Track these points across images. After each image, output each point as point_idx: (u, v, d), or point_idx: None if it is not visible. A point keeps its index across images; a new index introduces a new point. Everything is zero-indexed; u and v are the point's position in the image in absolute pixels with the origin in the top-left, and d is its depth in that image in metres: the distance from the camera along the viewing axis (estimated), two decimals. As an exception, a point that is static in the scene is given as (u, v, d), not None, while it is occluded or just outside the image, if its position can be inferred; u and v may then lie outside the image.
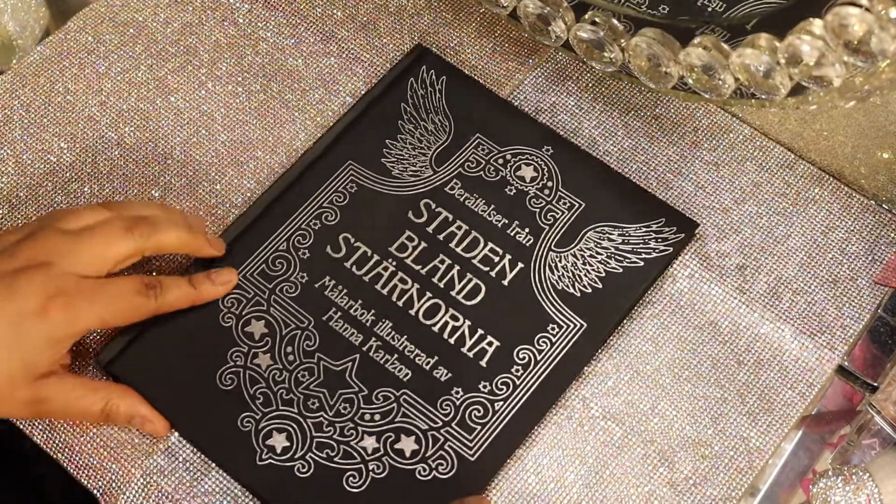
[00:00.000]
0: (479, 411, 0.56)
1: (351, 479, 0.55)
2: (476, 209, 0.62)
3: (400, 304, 0.59)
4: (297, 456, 0.55)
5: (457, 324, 0.58)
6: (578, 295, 0.59)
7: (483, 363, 0.57)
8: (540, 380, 0.57)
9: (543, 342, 0.58)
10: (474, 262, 0.60)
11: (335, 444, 0.56)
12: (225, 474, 0.56)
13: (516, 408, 0.56)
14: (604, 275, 0.60)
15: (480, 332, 0.58)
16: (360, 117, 0.65)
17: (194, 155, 0.65)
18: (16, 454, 0.59)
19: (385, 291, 0.59)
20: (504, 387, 0.57)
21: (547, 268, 0.60)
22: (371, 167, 0.63)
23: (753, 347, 0.59)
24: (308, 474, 0.55)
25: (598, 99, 0.66)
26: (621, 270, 0.60)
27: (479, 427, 0.56)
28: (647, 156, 0.64)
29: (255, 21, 0.69)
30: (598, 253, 0.60)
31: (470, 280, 0.60)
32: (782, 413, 0.57)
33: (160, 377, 0.57)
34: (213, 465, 0.56)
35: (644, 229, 0.61)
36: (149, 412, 0.56)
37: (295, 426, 0.56)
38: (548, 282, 0.59)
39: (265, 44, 0.68)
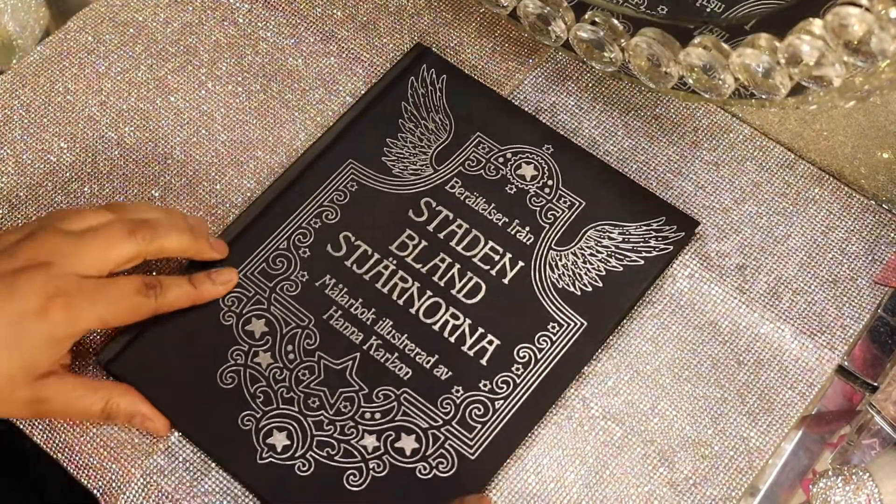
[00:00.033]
0: (479, 410, 0.56)
1: (351, 477, 0.55)
2: (476, 208, 0.62)
3: (400, 302, 0.59)
4: (297, 455, 0.55)
5: (457, 322, 0.58)
6: (579, 293, 0.59)
7: (483, 362, 0.57)
8: (540, 378, 0.57)
9: (544, 341, 0.58)
10: (475, 260, 0.60)
11: (335, 443, 0.56)
12: (225, 474, 0.56)
13: (517, 406, 0.56)
14: (604, 273, 0.60)
15: (481, 330, 0.58)
16: (361, 116, 0.65)
17: (194, 155, 0.65)
18: (16, 454, 0.59)
19: (385, 290, 0.59)
20: (504, 385, 0.57)
21: (547, 266, 0.60)
22: (371, 166, 0.63)
23: (753, 347, 0.59)
24: (308, 473, 0.55)
25: (598, 99, 0.66)
26: (622, 269, 0.60)
27: (479, 426, 0.56)
28: (647, 156, 0.64)
29: (255, 21, 0.69)
30: (598, 251, 0.60)
31: (470, 279, 0.60)
32: (782, 413, 0.57)
33: (160, 376, 0.57)
34: (213, 464, 0.56)
35: (644, 228, 0.61)
36: (149, 411, 0.56)
37: (295, 425, 0.56)
38: (548, 280, 0.59)
39: (265, 44, 0.68)
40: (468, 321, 0.58)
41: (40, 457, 0.57)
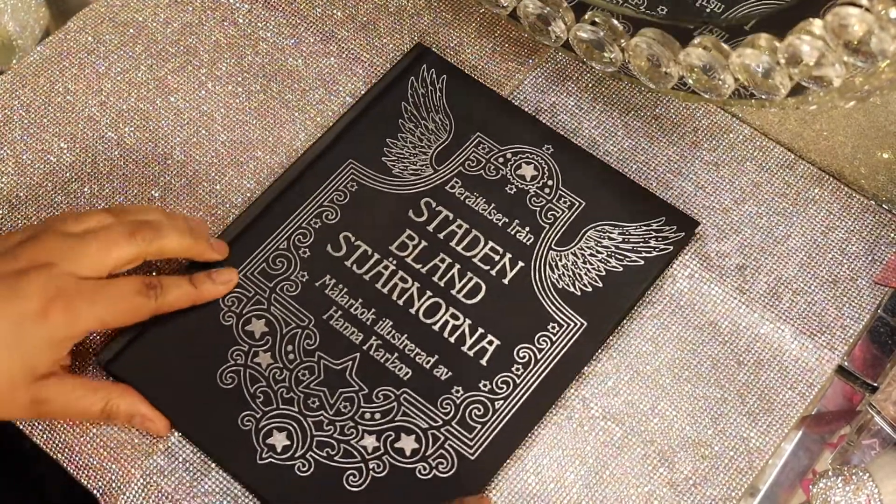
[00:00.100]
0: (479, 410, 0.56)
1: (351, 477, 0.55)
2: (476, 208, 0.62)
3: (400, 302, 0.59)
4: (297, 455, 0.55)
5: (457, 322, 0.58)
6: (579, 294, 0.59)
7: (483, 362, 0.57)
8: (540, 378, 0.57)
9: (544, 341, 0.58)
10: (475, 260, 0.60)
11: (335, 443, 0.56)
12: (225, 474, 0.56)
13: (516, 406, 0.56)
14: (604, 273, 0.60)
15: (481, 330, 0.58)
16: (361, 116, 0.65)
17: (194, 155, 0.65)
18: (16, 454, 0.59)
19: (385, 290, 0.59)
20: (504, 385, 0.57)
21: (547, 266, 0.60)
22: (371, 166, 0.63)
23: (753, 347, 0.59)
24: (308, 473, 0.55)
25: (598, 99, 0.66)
26: (621, 269, 0.60)
27: (479, 426, 0.56)
28: (647, 156, 0.64)
29: (255, 21, 0.69)
30: (598, 252, 0.60)
31: (470, 279, 0.60)
32: (782, 413, 0.57)
33: (160, 376, 0.57)
34: (213, 465, 0.56)
35: (644, 228, 0.61)
36: (149, 411, 0.56)
37: (295, 425, 0.56)
38: (548, 280, 0.59)
39: (265, 44, 0.68)
40: (468, 321, 0.58)
41: (40, 457, 0.57)
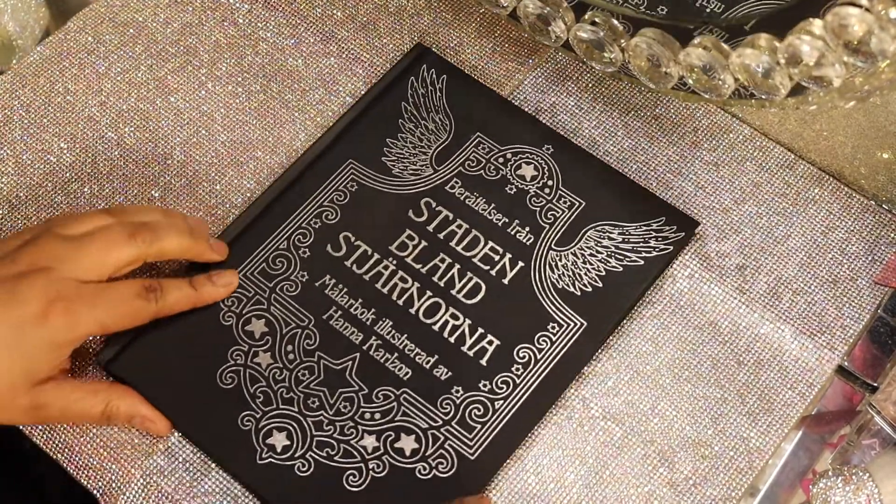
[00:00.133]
0: (479, 410, 0.56)
1: (351, 477, 0.55)
2: (476, 208, 0.62)
3: (400, 302, 0.59)
4: (297, 455, 0.55)
5: (457, 322, 0.58)
6: (579, 294, 0.59)
7: (483, 362, 0.57)
8: (540, 378, 0.57)
9: (543, 341, 0.58)
10: (474, 260, 0.60)
11: (335, 443, 0.56)
12: (225, 474, 0.56)
13: (516, 406, 0.56)
14: (604, 273, 0.60)
15: (480, 330, 0.58)
16: (361, 116, 0.65)
17: (194, 155, 0.65)
18: (16, 454, 0.59)
19: (385, 290, 0.59)
20: (504, 385, 0.57)
21: (547, 266, 0.60)
22: (371, 166, 0.63)
23: (753, 348, 0.59)
24: (308, 473, 0.55)
25: (598, 99, 0.66)
26: (621, 269, 0.60)
27: (479, 426, 0.56)
28: (647, 156, 0.64)
29: (255, 21, 0.69)
30: (598, 252, 0.60)
31: (470, 279, 0.60)
32: (782, 413, 0.57)
33: (160, 376, 0.57)
34: (213, 465, 0.56)
35: (644, 228, 0.61)
36: (149, 412, 0.56)
37: (295, 425, 0.56)
38: (548, 280, 0.59)
39: (265, 44, 0.68)
40: (468, 321, 0.58)
41: (40, 457, 0.57)
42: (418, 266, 0.60)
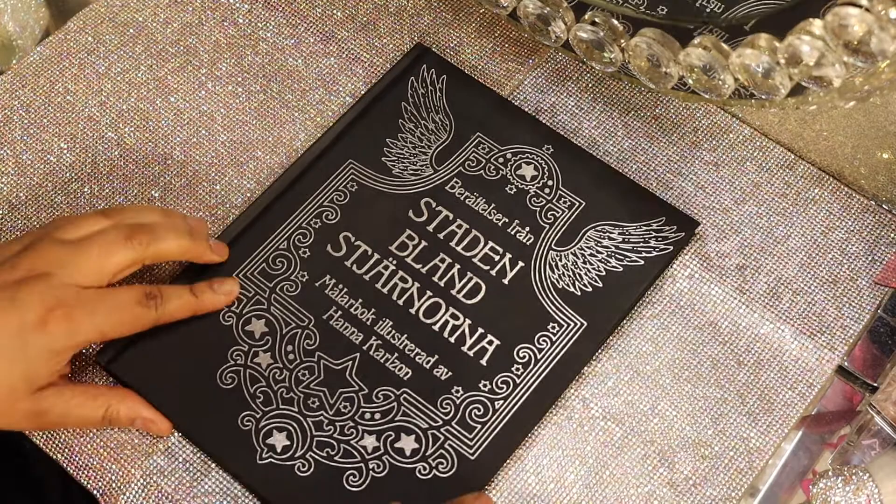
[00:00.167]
0: (479, 410, 0.56)
1: (351, 477, 0.55)
2: (476, 208, 0.62)
3: (400, 302, 0.59)
4: (297, 455, 0.55)
5: (457, 322, 0.58)
6: (579, 294, 0.59)
7: (483, 362, 0.57)
8: (540, 378, 0.57)
9: (544, 341, 0.58)
10: (475, 260, 0.60)
11: (335, 443, 0.56)
12: (225, 474, 0.56)
13: (517, 406, 0.56)
14: (604, 273, 0.60)
15: (481, 330, 0.58)
16: (361, 116, 0.65)
17: (194, 155, 0.65)
18: (16, 454, 0.59)
19: (385, 290, 0.59)
20: (504, 385, 0.57)
21: (547, 266, 0.60)
22: (371, 166, 0.63)
23: (753, 348, 0.59)
24: (308, 473, 0.55)
25: (598, 99, 0.66)
26: (621, 269, 0.60)
27: (479, 426, 0.56)
28: (647, 156, 0.64)
29: (255, 21, 0.69)
30: (598, 252, 0.60)
31: (470, 279, 0.60)
32: (782, 413, 0.57)
33: (160, 376, 0.57)
34: (213, 465, 0.56)
35: (644, 228, 0.61)
36: (150, 413, 0.56)
37: (295, 425, 0.56)
38: (548, 280, 0.59)
39: (265, 44, 0.68)
40: (468, 321, 0.58)
41: (40, 457, 0.57)
42: (418, 266, 0.60)
